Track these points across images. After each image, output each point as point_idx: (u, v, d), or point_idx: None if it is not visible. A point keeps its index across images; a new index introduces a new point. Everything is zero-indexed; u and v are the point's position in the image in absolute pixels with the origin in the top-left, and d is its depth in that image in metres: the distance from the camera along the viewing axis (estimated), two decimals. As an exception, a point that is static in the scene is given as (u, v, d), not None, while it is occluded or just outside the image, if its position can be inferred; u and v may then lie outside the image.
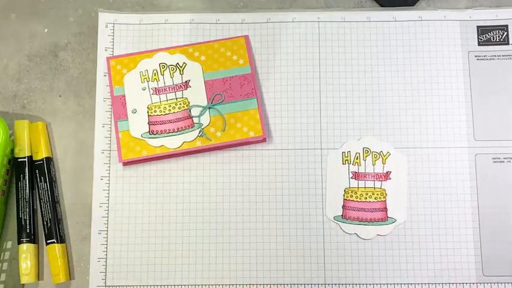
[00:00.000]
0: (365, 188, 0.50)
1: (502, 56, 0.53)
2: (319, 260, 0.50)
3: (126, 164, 0.51)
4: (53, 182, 0.51)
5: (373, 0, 0.55)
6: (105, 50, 0.53)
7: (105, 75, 0.53)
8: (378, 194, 0.50)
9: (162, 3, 0.55)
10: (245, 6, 0.55)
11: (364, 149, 0.51)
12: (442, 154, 0.51)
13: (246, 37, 0.53)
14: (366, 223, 0.50)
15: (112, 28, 0.54)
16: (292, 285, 0.50)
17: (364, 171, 0.50)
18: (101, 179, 0.51)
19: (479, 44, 0.53)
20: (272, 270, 0.50)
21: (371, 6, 0.55)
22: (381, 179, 0.50)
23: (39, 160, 0.51)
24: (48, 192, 0.50)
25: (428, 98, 0.52)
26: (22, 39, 0.54)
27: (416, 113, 0.52)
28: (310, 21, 0.53)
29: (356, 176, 0.50)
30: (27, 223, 0.50)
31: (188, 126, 0.51)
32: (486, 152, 0.51)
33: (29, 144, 0.51)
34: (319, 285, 0.49)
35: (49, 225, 0.50)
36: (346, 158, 0.51)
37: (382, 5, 0.54)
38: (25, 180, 0.50)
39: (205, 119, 0.51)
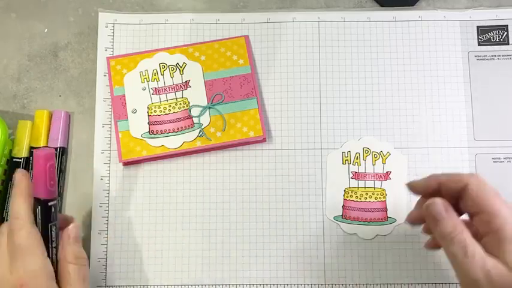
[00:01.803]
0: (365, 188, 0.50)
1: (502, 56, 0.53)
2: (319, 260, 0.50)
3: (126, 164, 0.51)
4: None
5: (373, 0, 0.55)
6: (105, 50, 0.53)
7: (105, 75, 0.53)
8: (377, 194, 0.50)
9: (162, 3, 0.55)
10: (245, 6, 0.55)
11: (364, 149, 0.51)
12: (442, 154, 0.51)
13: (246, 37, 0.53)
14: (366, 223, 0.50)
15: (112, 28, 0.54)
16: (292, 285, 0.50)
17: (364, 171, 0.50)
18: (101, 179, 0.51)
19: (479, 44, 0.53)
20: (272, 270, 0.50)
21: (371, 6, 0.55)
22: (380, 179, 0.50)
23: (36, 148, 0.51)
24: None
25: (428, 98, 0.52)
26: (22, 39, 0.54)
27: (416, 113, 0.52)
28: (310, 21, 0.53)
29: (356, 176, 0.50)
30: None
31: (188, 126, 0.51)
32: (486, 152, 0.51)
33: (28, 144, 0.51)
34: (319, 285, 0.49)
35: None
36: (346, 158, 0.51)
37: (382, 5, 0.54)
38: None
39: (205, 119, 0.51)
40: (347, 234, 0.50)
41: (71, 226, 0.43)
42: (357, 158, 0.50)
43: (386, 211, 0.50)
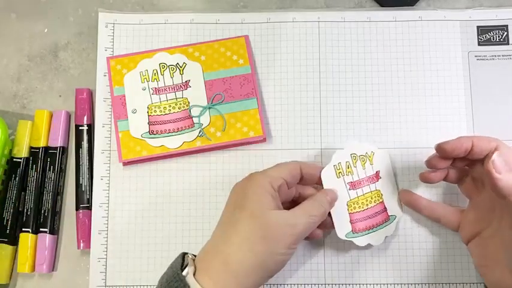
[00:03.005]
0: (364, 195, 0.49)
1: (502, 56, 0.53)
2: (319, 260, 0.50)
3: (126, 164, 0.51)
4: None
5: (373, 0, 0.55)
6: (105, 50, 0.53)
7: (105, 75, 0.53)
8: (375, 197, 0.49)
9: (162, 3, 0.55)
10: (245, 6, 0.55)
11: (352, 155, 0.49)
12: (442, 154, 0.51)
13: (246, 37, 0.53)
14: (375, 229, 0.48)
15: (112, 28, 0.54)
16: (292, 285, 0.50)
17: (358, 178, 0.49)
18: (101, 179, 0.51)
19: (479, 44, 0.53)
20: (272, 270, 0.50)
21: (371, 6, 0.55)
22: (373, 181, 0.50)
23: (36, 148, 0.51)
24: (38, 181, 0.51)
25: (428, 98, 0.52)
26: (22, 39, 0.54)
27: (416, 113, 0.52)
28: (310, 21, 0.53)
29: (352, 185, 0.49)
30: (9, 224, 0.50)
31: (188, 126, 0.51)
32: (486, 152, 0.51)
33: (28, 144, 0.51)
34: (319, 285, 0.49)
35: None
36: (339, 171, 0.49)
37: (382, 5, 0.54)
38: (15, 181, 0.50)
39: (205, 119, 0.51)
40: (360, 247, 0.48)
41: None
42: (348, 167, 0.49)
43: (386, 210, 0.50)
